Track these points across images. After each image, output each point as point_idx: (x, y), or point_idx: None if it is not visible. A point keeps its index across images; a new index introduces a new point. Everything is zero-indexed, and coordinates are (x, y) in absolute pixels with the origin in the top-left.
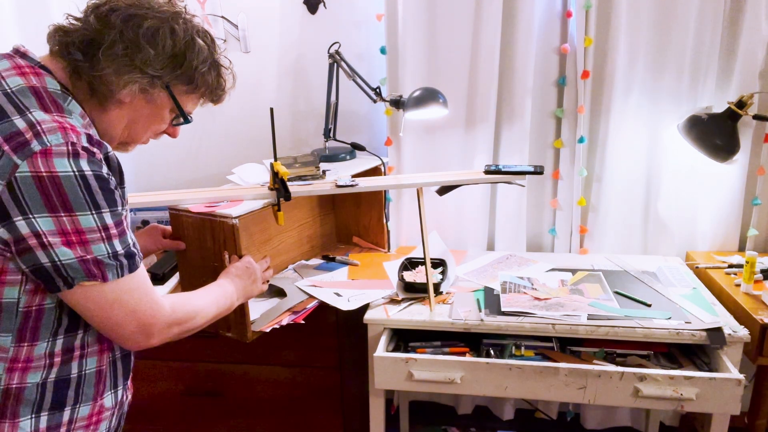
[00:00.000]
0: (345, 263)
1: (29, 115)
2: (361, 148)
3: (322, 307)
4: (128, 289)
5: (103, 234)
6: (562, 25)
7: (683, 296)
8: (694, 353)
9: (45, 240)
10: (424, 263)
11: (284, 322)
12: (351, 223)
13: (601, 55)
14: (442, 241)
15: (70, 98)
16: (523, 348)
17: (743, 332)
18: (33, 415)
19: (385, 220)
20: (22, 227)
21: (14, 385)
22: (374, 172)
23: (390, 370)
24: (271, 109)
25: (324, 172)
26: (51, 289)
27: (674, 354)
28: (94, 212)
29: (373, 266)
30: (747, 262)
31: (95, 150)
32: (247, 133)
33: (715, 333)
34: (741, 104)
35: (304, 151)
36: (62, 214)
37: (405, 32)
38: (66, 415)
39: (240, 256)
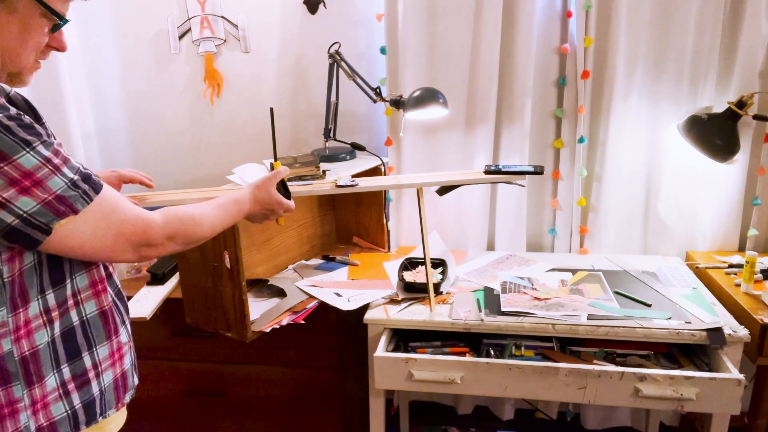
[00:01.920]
0: (345, 263)
1: None
2: (361, 148)
3: (322, 307)
4: (103, 210)
5: (49, 167)
6: (562, 25)
7: (683, 296)
8: (694, 353)
9: (1, 198)
10: (424, 263)
11: (284, 322)
12: (351, 223)
13: (601, 55)
14: (442, 241)
15: None
16: (523, 348)
17: (743, 332)
18: (55, 371)
19: (385, 220)
20: None
21: (27, 352)
22: (374, 172)
23: (390, 370)
24: (271, 109)
25: (324, 172)
26: (31, 246)
27: (674, 354)
28: (28, 150)
29: (373, 266)
30: (747, 262)
31: None
32: (247, 133)
33: (715, 333)
34: (741, 104)
35: (304, 151)
36: (2, 165)
37: (405, 32)
38: (87, 360)
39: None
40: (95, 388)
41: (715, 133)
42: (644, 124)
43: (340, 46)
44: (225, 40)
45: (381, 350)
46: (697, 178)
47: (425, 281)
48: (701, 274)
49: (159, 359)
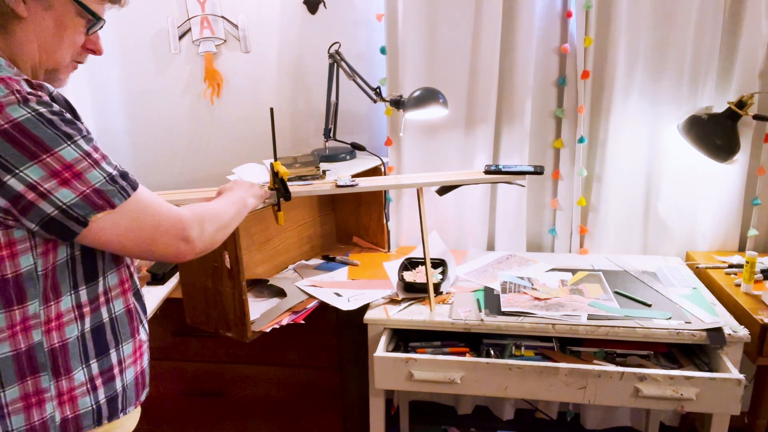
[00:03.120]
0: (345, 263)
1: None
2: (361, 148)
3: (322, 307)
4: (140, 206)
5: (89, 161)
6: (562, 25)
7: (683, 296)
8: (694, 353)
9: (42, 189)
10: (424, 263)
11: (284, 322)
12: (351, 223)
13: (601, 55)
14: (442, 241)
15: None
16: (523, 348)
17: (743, 332)
18: (83, 366)
19: (385, 220)
20: (15, 185)
21: (57, 344)
22: (374, 172)
23: (390, 370)
24: (271, 109)
25: (324, 172)
26: (67, 237)
27: (674, 354)
28: (69, 143)
29: (373, 266)
30: (747, 262)
31: (39, 93)
32: (247, 132)
33: (715, 333)
34: (741, 104)
35: (304, 151)
36: (44, 157)
37: (405, 32)
38: (113, 357)
39: (237, 258)
40: (118, 385)
41: (715, 133)
42: (644, 124)
43: (340, 46)
44: (225, 40)
45: (381, 350)
46: (697, 178)
47: (425, 281)
48: (701, 274)
49: (159, 359)
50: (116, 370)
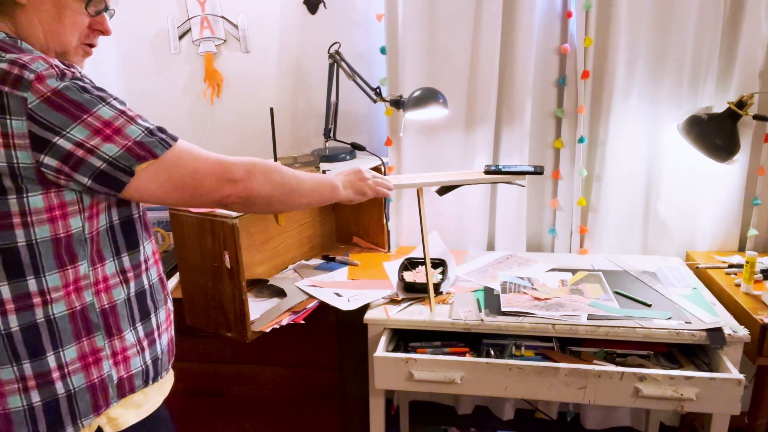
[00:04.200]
0: (345, 263)
1: (3, 58)
2: (361, 148)
3: (322, 307)
4: (181, 153)
5: (125, 117)
6: (562, 25)
7: (683, 296)
8: (694, 353)
9: (89, 145)
10: (424, 263)
11: (284, 322)
12: (351, 223)
13: (601, 55)
14: (442, 241)
15: (18, 40)
16: (523, 348)
17: (743, 332)
18: (131, 328)
19: (385, 220)
20: (64, 144)
21: (107, 305)
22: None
23: (390, 370)
24: (271, 109)
25: (324, 172)
26: (118, 188)
27: (674, 354)
28: (104, 104)
29: (373, 266)
30: (747, 262)
31: (73, 69)
32: (248, 132)
33: (715, 333)
34: (741, 104)
35: (304, 151)
36: (85, 117)
37: (405, 32)
38: (153, 321)
39: (237, 258)
40: (158, 348)
41: (715, 133)
42: (644, 124)
43: (340, 46)
44: (225, 40)
45: (381, 350)
46: (697, 178)
47: (425, 281)
48: (701, 274)
49: None
50: (155, 334)
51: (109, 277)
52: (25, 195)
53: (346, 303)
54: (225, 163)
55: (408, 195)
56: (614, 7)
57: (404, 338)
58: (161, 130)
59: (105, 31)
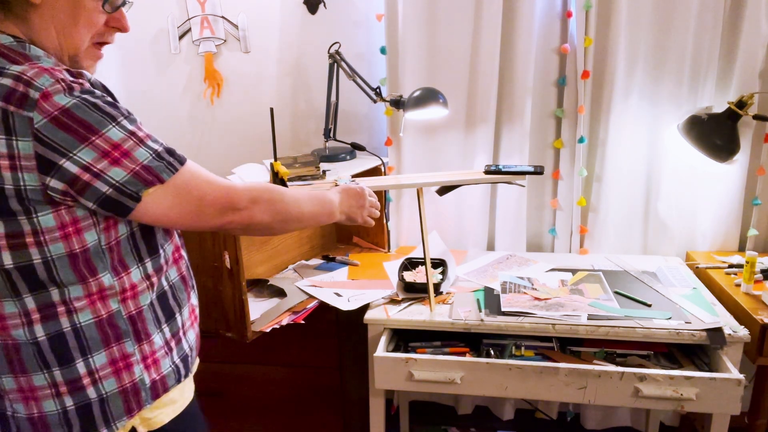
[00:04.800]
0: (345, 263)
1: (7, 71)
2: (361, 148)
3: (322, 307)
4: (187, 179)
5: (134, 139)
6: (562, 25)
7: (683, 296)
8: (694, 353)
9: (95, 169)
10: (424, 263)
11: (284, 322)
12: None
13: (601, 55)
14: (442, 241)
15: (26, 44)
16: (523, 348)
17: (743, 332)
18: (158, 330)
19: (385, 220)
20: (71, 167)
21: (134, 312)
22: (374, 172)
23: (390, 370)
24: (271, 109)
25: (324, 172)
26: (123, 213)
27: (674, 354)
28: (113, 124)
29: (373, 266)
30: (747, 262)
31: (81, 80)
32: (247, 133)
33: (715, 333)
34: (741, 104)
35: (304, 151)
36: (93, 138)
37: (405, 32)
38: (178, 320)
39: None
40: (185, 345)
41: (715, 133)
42: (644, 124)
43: (340, 46)
44: (225, 40)
45: (381, 350)
46: (697, 178)
47: (425, 281)
48: (701, 274)
49: None
50: (181, 333)
51: (136, 284)
52: (34, 215)
53: (346, 303)
54: (230, 191)
55: (408, 195)
56: (614, 7)
57: (404, 338)
58: (169, 152)
59: (123, 29)
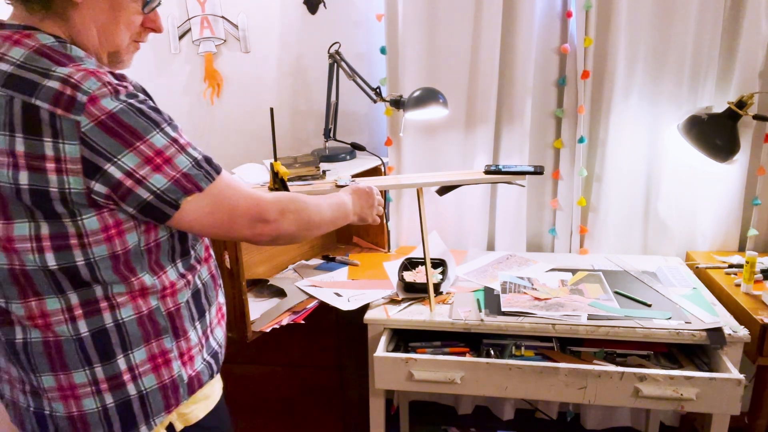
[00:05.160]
0: (345, 263)
1: (54, 74)
2: (361, 148)
3: (322, 307)
4: (222, 189)
5: (176, 146)
6: (562, 25)
7: (683, 296)
8: (694, 353)
9: (138, 176)
10: (424, 263)
11: (284, 322)
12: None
13: (601, 55)
14: (442, 241)
15: (68, 44)
16: (523, 348)
17: (743, 332)
18: (192, 327)
19: (385, 220)
20: (115, 173)
21: (172, 309)
22: (374, 172)
23: (390, 370)
24: (271, 109)
25: (324, 172)
26: (161, 219)
27: (674, 354)
28: (157, 130)
29: (373, 266)
30: (747, 262)
31: (125, 84)
32: (248, 132)
33: (715, 333)
34: (741, 104)
35: (304, 151)
36: (137, 144)
37: (405, 32)
38: (207, 318)
39: (237, 258)
40: (214, 343)
41: (715, 133)
42: (644, 124)
43: (340, 46)
44: (225, 40)
45: (381, 350)
46: (697, 178)
47: (425, 281)
48: (701, 274)
49: None
50: (209, 330)
51: (174, 282)
52: (79, 218)
53: (346, 303)
54: (261, 202)
55: (408, 195)
56: (614, 7)
57: (404, 338)
58: (207, 160)
59: (158, 29)
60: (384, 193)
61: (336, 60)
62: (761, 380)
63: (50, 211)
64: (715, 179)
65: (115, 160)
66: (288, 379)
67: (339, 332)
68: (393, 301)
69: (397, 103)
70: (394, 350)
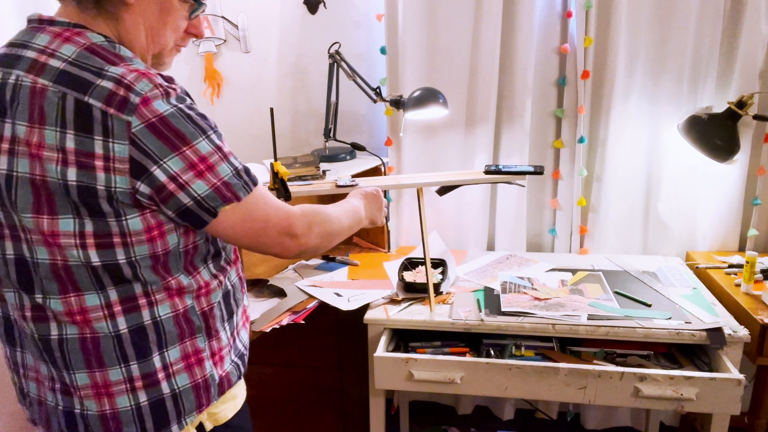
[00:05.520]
0: (345, 263)
1: (107, 73)
2: (361, 148)
3: (322, 307)
4: (257, 200)
5: (220, 154)
6: (562, 25)
7: (683, 296)
8: (694, 353)
9: (181, 180)
10: (424, 263)
11: (284, 322)
12: None
13: (601, 55)
14: (442, 241)
15: (116, 44)
16: (523, 348)
17: (743, 332)
18: (222, 327)
19: (385, 220)
20: (160, 175)
21: (206, 308)
22: (374, 172)
23: (390, 370)
24: (271, 109)
25: (324, 172)
26: (198, 225)
27: (674, 354)
28: (203, 137)
29: (373, 266)
30: (747, 262)
31: (174, 85)
32: (248, 132)
33: (715, 333)
34: (741, 104)
35: (304, 151)
36: (184, 149)
37: (405, 32)
38: (235, 319)
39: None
40: (240, 345)
41: (715, 133)
42: (644, 124)
43: (340, 46)
44: (225, 40)
45: (381, 350)
46: (697, 178)
47: (425, 281)
48: (701, 274)
49: None
50: (236, 331)
51: (209, 282)
52: (123, 218)
53: (346, 303)
54: (291, 216)
55: (408, 195)
56: (614, 7)
57: (404, 338)
58: (246, 171)
59: (199, 35)
60: (384, 193)
61: (336, 60)
62: (761, 380)
63: (96, 209)
64: (715, 179)
65: (162, 162)
66: (288, 379)
67: (339, 332)
68: (393, 301)
69: (397, 103)
70: (394, 350)
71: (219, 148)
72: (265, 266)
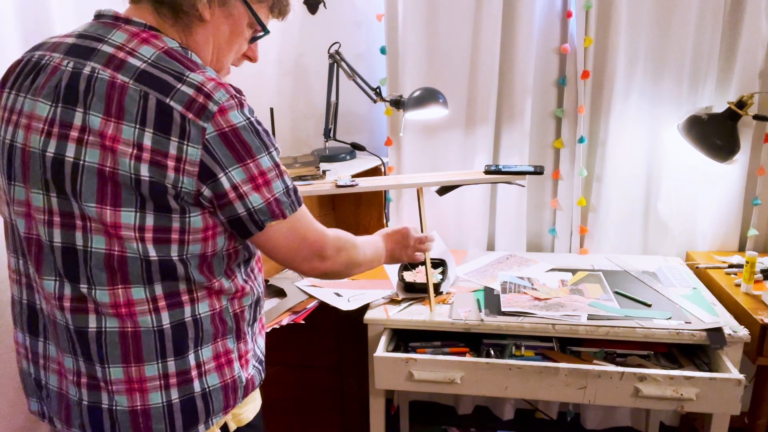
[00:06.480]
0: None
1: (187, 79)
2: (361, 148)
3: (322, 307)
4: (299, 219)
5: (276, 171)
6: (562, 25)
7: (683, 296)
8: (694, 353)
9: (241, 191)
10: (424, 263)
11: (284, 322)
12: (351, 223)
13: (601, 55)
14: (442, 241)
15: (189, 51)
16: (523, 348)
17: (743, 332)
18: (249, 330)
19: (385, 220)
20: (224, 183)
21: (237, 310)
22: (374, 172)
23: (390, 370)
24: (271, 109)
25: (324, 172)
26: (244, 235)
27: (674, 354)
28: (266, 153)
29: None
30: (747, 262)
31: (243, 97)
32: None
33: (715, 333)
34: (741, 104)
35: (304, 151)
36: (248, 161)
37: (405, 32)
38: (256, 326)
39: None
40: (259, 351)
41: (715, 133)
42: (644, 124)
43: (340, 46)
44: None
45: (381, 350)
46: (697, 178)
47: (425, 281)
48: (701, 274)
49: None
50: (256, 337)
51: (244, 286)
52: (187, 215)
53: (346, 303)
54: (324, 237)
55: (408, 195)
56: (614, 7)
57: (404, 338)
58: (295, 191)
59: (254, 59)
60: (384, 193)
61: (336, 60)
62: (761, 380)
63: (164, 205)
64: (715, 179)
65: (227, 171)
66: (288, 379)
67: (339, 332)
68: (393, 301)
69: (397, 103)
70: (394, 350)
71: (277, 166)
72: (265, 266)
